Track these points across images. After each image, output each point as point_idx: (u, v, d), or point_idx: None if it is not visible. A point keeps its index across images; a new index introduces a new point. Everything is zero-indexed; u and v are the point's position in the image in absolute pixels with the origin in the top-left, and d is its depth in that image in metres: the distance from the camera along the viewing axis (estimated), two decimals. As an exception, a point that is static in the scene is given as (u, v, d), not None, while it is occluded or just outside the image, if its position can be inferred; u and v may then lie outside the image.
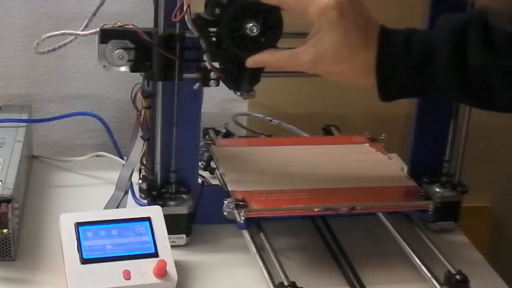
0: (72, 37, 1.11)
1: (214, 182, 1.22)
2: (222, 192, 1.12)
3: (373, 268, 1.08)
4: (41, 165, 1.33)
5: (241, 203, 1.06)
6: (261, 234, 1.06)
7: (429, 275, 1.03)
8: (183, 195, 1.10)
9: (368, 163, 1.23)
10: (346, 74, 0.96)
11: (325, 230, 1.16)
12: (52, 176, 1.30)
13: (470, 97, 0.93)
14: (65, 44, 1.12)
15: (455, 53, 0.90)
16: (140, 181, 1.11)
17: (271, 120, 1.39)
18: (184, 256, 1.08)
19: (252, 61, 1.01)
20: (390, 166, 1.23)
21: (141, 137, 1.11)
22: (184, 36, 1.03)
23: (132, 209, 1.10)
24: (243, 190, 1.10)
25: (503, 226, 1.66)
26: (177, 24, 1.02)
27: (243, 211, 1.04)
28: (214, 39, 1.02)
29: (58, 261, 1.01)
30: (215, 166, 1.21)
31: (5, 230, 1.02)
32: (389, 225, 1.13)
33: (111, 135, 1.34)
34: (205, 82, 1.05)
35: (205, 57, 1.03)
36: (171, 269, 0.99)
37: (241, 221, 1.04)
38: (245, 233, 1.05)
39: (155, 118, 1.07)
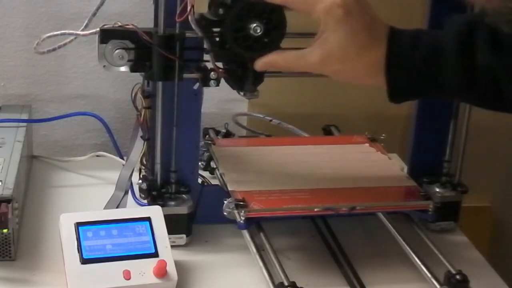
0: (72, 37, 1.11)
1: (214, 182, 1.22)
2: (222, 192, 1.12)
3: (373, 268, 1.08)
4: (41, 165, 1.33)
5: (241, 203, 1.06)
6: (261, 234, 1.06)
7: (429, 275, 1.03)
8: (183, 195, 1.10)
9: (368, 163, 1.23)
10: (353, 73, 0.95)
11: (325, 230, 1.16)
12: (52, 176, 1.30)
13: (477, 97, 0.93)
14: (65, 44, 1.12)
15: (463, 53, 0.90)
16: (140, 181, 1.11)
17: (271, 120, 1.39)
18: (184, 256, 1.08)
19: (261, 63, 1.00)
20: (390, 166, 1.23)
21: (141, 137, 1.11)
22: (184, 36, 1.03)
23: (132, 209, 1.10)
24: (243, 190, 1.10)
25: (503, 226, 1.66)
26: (177, 24, 1.02)
27: (243, 211, 1.04)
28: (217, 39, 1.02)
29: (58, 261, 1.01)
30: (215, 166, 1.21)
31: (5, 230, 1.02)
32: (389, 225, 1.13)
33: (111, 135, 1.34)
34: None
35: (208, 57, 1.03)
36: (171, 269, 0.99)
37: (241, 221, 1.04)
38: (245, 233, 1.05)
39: (155, 118, 1.07)
